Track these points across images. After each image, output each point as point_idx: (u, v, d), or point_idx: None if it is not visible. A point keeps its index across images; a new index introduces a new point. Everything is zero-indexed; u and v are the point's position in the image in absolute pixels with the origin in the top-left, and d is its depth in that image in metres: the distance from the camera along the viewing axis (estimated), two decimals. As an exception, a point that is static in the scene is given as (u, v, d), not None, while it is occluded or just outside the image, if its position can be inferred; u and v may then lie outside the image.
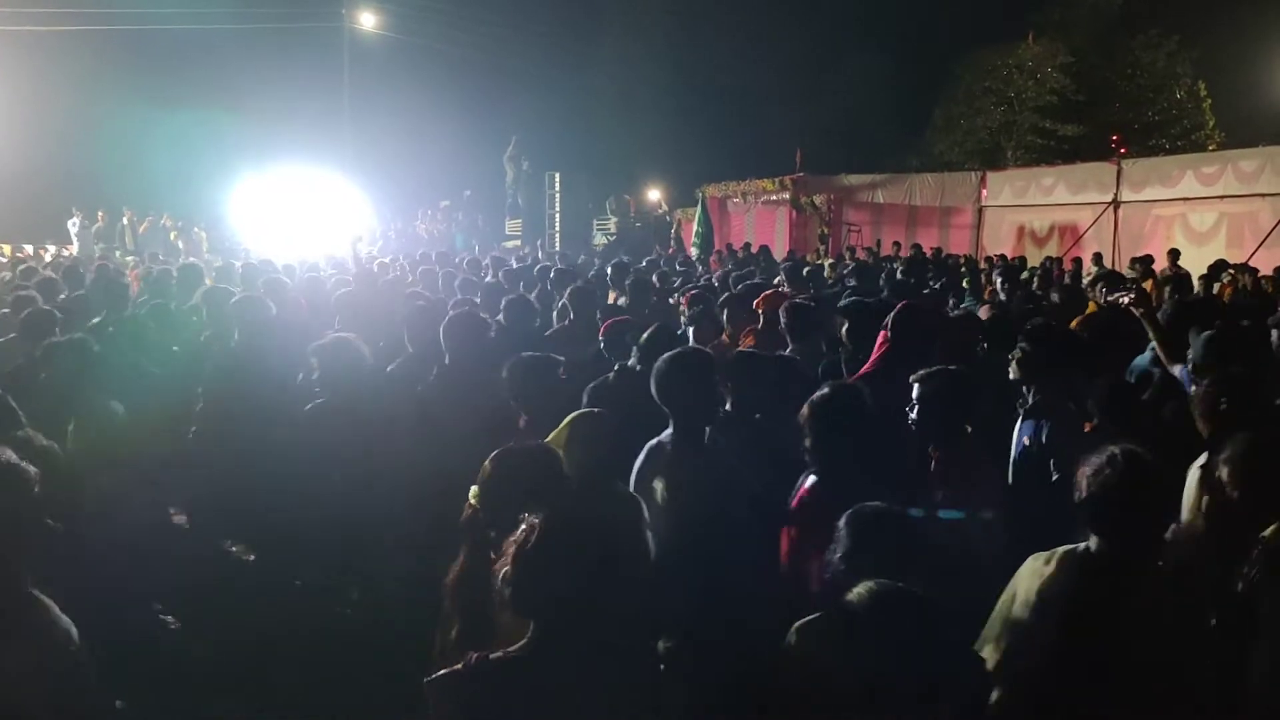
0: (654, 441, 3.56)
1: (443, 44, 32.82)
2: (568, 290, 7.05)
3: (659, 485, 3.41)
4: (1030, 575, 2.71)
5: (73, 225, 22.33)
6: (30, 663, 2.48)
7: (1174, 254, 14.35)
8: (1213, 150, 25.52)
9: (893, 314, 4.59)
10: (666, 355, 3.58)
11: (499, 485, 2.84)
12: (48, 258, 16.67)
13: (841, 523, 2.62)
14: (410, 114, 30.41)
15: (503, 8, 33.50)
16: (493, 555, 2.70)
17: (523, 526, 2.27)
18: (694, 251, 20.65)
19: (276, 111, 27.79)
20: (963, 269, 13.67)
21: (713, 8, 35.31)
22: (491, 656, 2.21)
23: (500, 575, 2.25)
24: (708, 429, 3.55)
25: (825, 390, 3.38)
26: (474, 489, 2.89)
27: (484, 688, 2.17)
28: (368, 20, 31.91)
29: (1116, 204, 20.09)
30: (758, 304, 6.46)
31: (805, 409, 3.34)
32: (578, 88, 34.42)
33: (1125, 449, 2.65)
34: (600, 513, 2.39)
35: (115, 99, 26.05)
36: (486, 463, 2.91)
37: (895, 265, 12.65)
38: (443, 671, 2.22)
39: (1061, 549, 2.72)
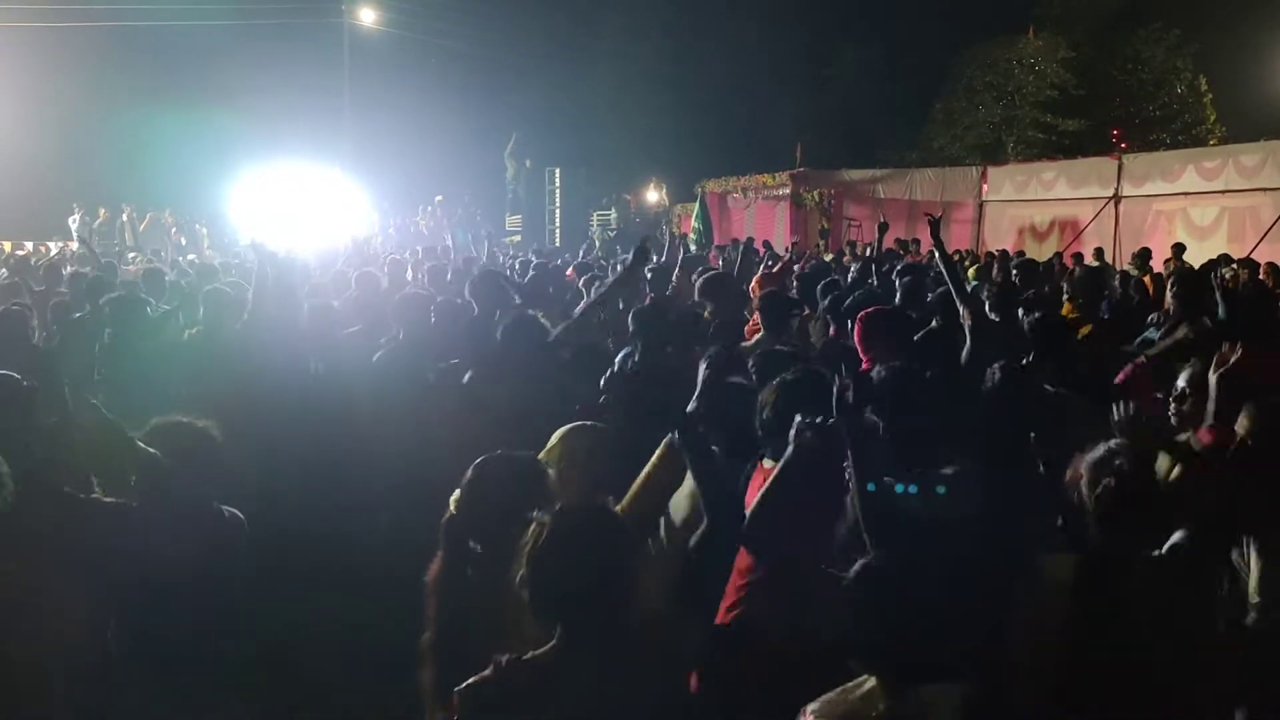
0: None
1: (443, 40, 32.80)
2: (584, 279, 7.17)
3: None
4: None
5: (73, 222, 22.31)
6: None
7: (1178, 248, 14.31)
8: (1214, 145, 25.50)
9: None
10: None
11: (479, 494, 2.81)
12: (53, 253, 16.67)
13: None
14: (410, 110, 30.40)
15: (503, 4, 33.51)
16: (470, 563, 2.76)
17: (533, 526, 2.29)
18: (691, 248, 20.61)
19: (277, 107, 27.75)
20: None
21: (712, 2, 35.30)
22: (523, 659, 2.22)
23: (517, 578, 2.26)
24: None
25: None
26: (455, 494, 2.86)
27: (514, 692, 2.19)
28: (367, 16, 31.88)
29: (1117, 199, 20.08)
30: (753, 289, 6.49)
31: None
32: (578, 84, 34.39)
33: (1122, 449, 2.75)
34: (610, 511, 2.41)
35: (116, 95, 26.05)
36: (470, 469, 2.88)
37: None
38: (472, 680, 2.24)
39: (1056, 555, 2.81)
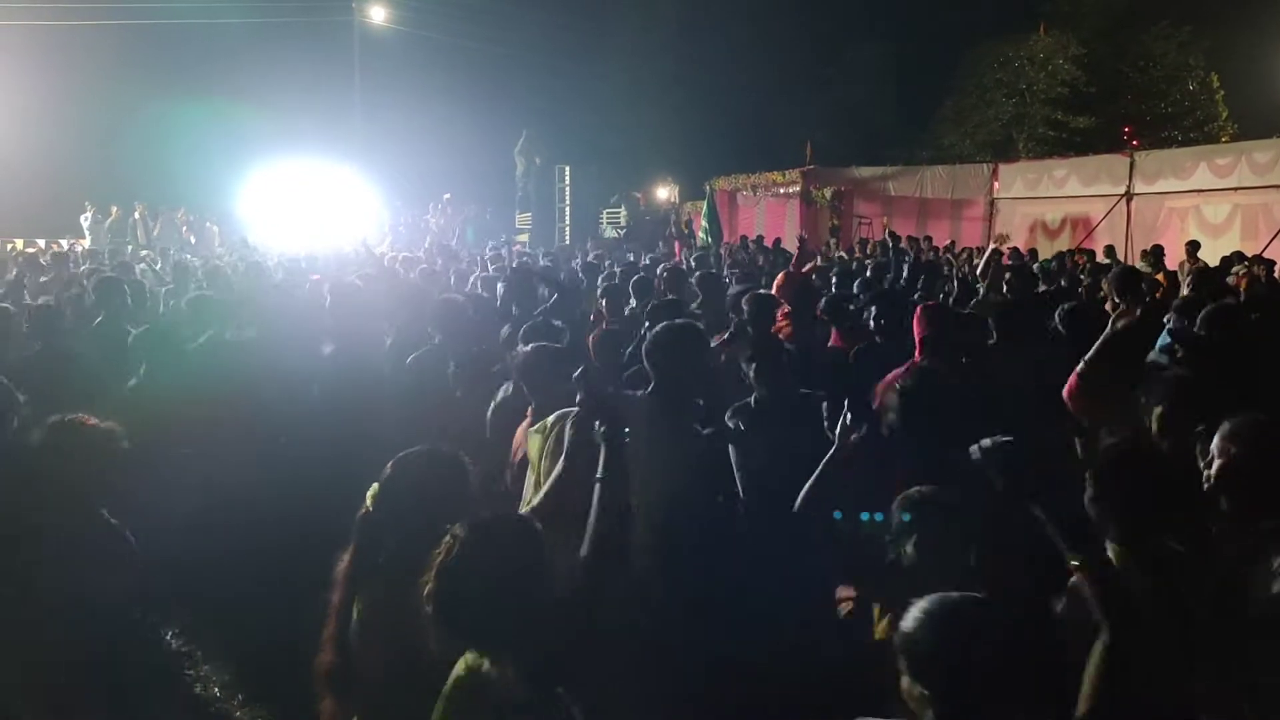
0: None
1: (453, 38, 32.82)
2: (600, 288, 7.21)
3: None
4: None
5: (85, 220, 22.38)
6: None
7: (1193, 246, 14.22)
8: (1226, 142, 25.39)
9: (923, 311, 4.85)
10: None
11: (398, 489, 2.75)
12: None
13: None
14: (420, 108, 30.43)
15: (513, 1, 33.51)
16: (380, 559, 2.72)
17: (445, 539, 2.24)
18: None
19: (287, 105, 27.81)
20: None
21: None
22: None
23: (424, 592, 2.20)
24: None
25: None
26: (373, 488, 2.79)
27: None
28: (378, 14, 31.90)
29: (1129, 196, 20.02)
30: (777, 289, 6.50)
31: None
32: (588, 81, 34.40)
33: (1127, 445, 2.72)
34: (524, 521, 2.35)
35: (127, 93, 26.12)
36: (389, 464, 2.81)
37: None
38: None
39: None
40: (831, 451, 3.29)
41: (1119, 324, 4.12)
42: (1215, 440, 2.84)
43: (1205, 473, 2.85)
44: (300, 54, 29.67)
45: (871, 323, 5.53)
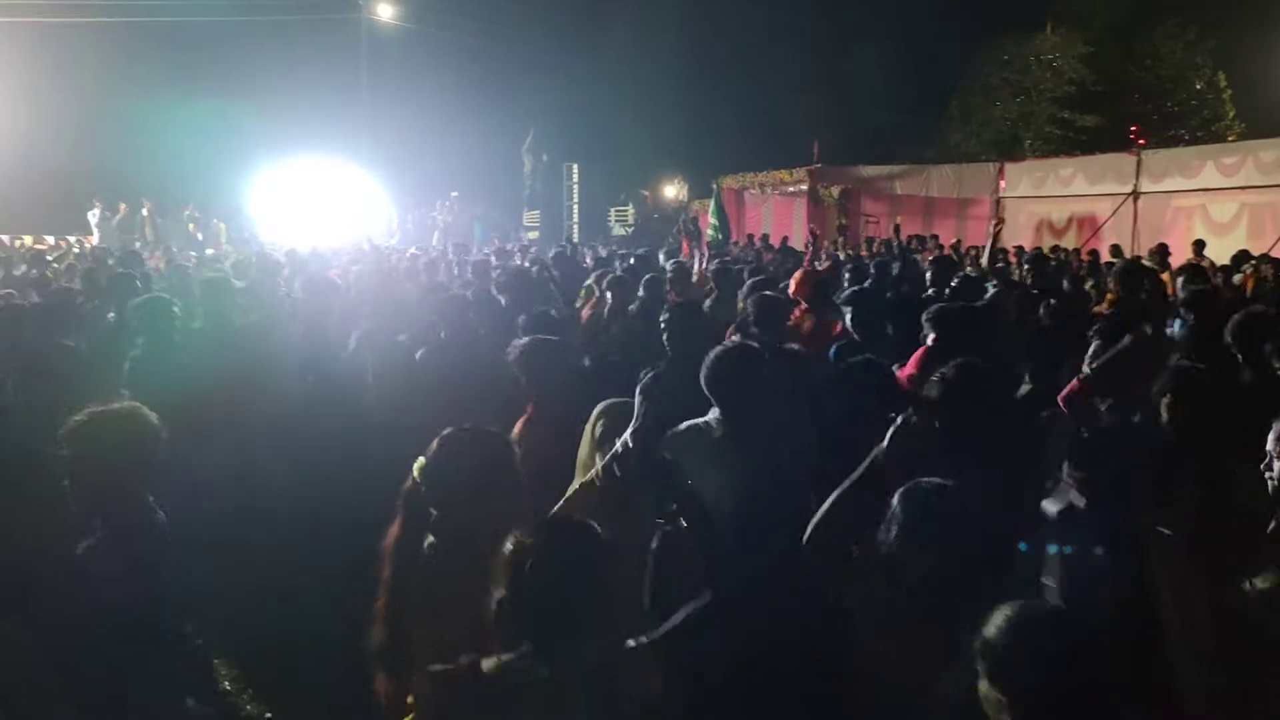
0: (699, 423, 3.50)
1: (460, 35, 32.81)
2: (607, 280, 7.20)
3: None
4: None
5: (93, 216, 22.41)
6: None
7: (1199, 245, 14.20)
8: (1233, 141, 25.33)
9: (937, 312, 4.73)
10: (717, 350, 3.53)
11: (445, 466, 2.81)
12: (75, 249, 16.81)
13: (896, 499, 2.65)
14: (428, 105, 30.43)
15: (520, -1, 33.54)
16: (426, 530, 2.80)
17: (509, 545, 2.25)
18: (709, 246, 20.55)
19: (295, 102, 27.82)
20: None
21: (729, -2, 35.28)
22: (492, 663, 2.22)
23: (495, 599, 2.23)
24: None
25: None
26: (419, 461, 2.84)
27: (487, 693, 2.20)
28: (385, 11, 31.92)
29: (1136, 195, 20.01)
30: (795, 289, 6.46)
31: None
32: (595, 78, 34.36)
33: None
34: (591, 530, 2.36)
35: (135, 90, 26.15)
36: (435, 441, 2.87)
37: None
38: (443, 667, 2.27)
39: None
40: (867, 463, 3.00)
41: (1130, 341, 4.20)
42: (1270, 443, 2.93)
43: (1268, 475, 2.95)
44: (308, 51, 29.69)
45: (849, 322, 5.45)
